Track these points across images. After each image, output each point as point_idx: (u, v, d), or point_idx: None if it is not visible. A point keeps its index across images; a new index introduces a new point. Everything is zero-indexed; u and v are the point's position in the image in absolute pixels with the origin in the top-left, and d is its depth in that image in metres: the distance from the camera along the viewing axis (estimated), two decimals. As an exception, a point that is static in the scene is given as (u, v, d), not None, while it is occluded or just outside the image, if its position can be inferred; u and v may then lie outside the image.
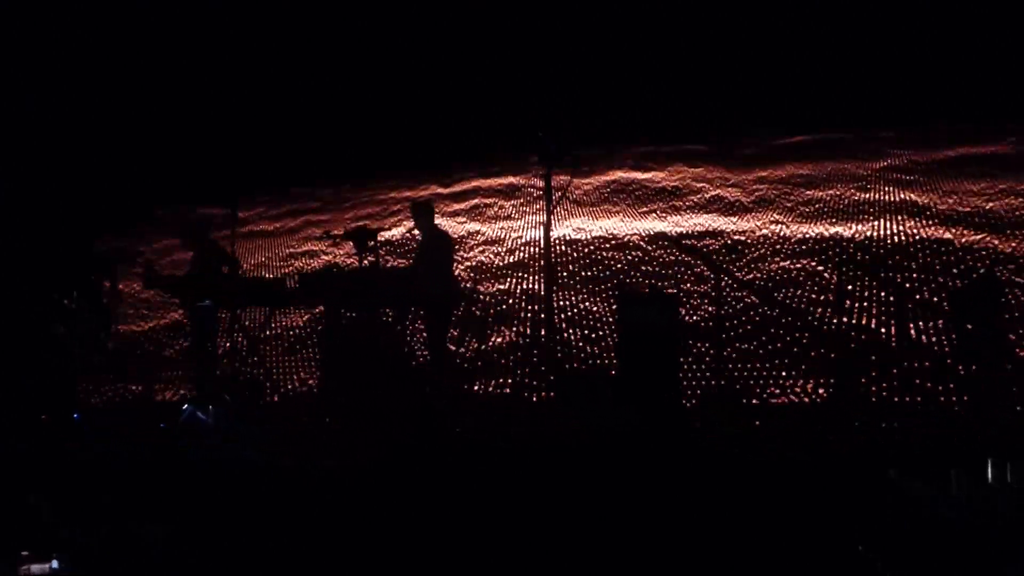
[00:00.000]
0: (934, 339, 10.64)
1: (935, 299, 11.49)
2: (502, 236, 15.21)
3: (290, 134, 18.01)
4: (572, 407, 9.12)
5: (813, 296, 11.96)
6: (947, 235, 13.02)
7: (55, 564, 5.86)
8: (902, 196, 14.60)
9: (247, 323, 12.12)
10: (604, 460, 7.50)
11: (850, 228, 13.66)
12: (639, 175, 17.08)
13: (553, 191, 9.22)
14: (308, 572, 5.74)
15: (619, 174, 17.25)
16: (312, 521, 6.41)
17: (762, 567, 5.54)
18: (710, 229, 14.53)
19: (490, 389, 11.12)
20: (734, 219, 14.84)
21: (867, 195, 14.85)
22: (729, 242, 13.67)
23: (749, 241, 13.81)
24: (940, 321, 10.81)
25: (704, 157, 17.32)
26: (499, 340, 12.06)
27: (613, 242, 14.49)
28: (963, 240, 12.79)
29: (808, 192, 15.38)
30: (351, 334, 10.56)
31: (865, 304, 11.53)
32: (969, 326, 10.41)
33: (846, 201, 14.79)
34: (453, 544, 5.95)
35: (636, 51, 17.33)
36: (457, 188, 17.83)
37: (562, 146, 9.33)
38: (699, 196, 15.90)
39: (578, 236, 14.82)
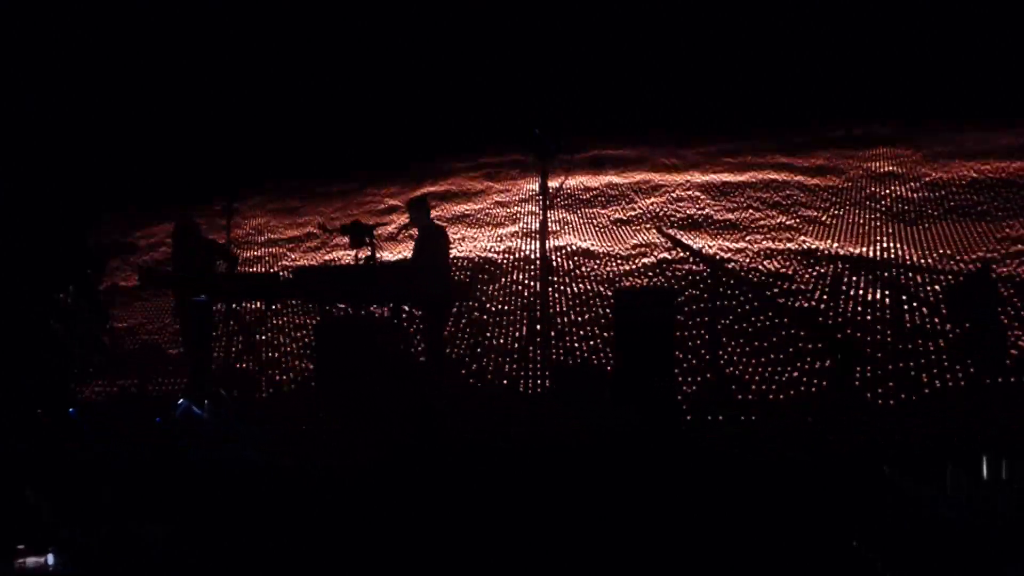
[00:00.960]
0: (931, 336, 10.60)
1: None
2: (497, 235, 15.14)
3: (284, 132, 17.94)
4: (570, 405, 9.10)
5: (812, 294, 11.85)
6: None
7: (51, 559, 5.84)
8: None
9: (242, 318, 12.07)
10: (602, 458, 7.49)
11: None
12: (637, 173, 17.01)
13: (549, 188, 9.19)
14: (308, 572, 5.72)
15: (618, 172, 17.19)
16: (312, 521, 6.39)
17: (760, 563, 5.53)
18: (714, 231, 14.47)
19: (487, 386, 11.07)
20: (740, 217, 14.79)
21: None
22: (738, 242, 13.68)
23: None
24: (936, 319, 10.78)
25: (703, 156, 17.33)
26: (496, 337, 12.03)
27: (613, 242, 14.44)
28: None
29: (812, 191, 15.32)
30: (347, 330, 10.52)
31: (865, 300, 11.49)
32: (967, 324, 10.41)
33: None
34: (453, 543, 5.93)
35: (631, 50, 17.28)
36: (451, 187, 17.73)
37: (559, 143, 9.32)
38: (699, 194, 15.86)
39: (576, 234, 14.79)
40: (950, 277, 11.65)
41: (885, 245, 12.66)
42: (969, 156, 14.93)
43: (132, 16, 17.02)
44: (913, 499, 6.10)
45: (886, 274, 11.85)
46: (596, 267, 13.41)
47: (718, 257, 12.84)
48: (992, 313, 10.51)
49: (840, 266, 12.28)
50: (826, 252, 12.75)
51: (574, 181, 15.70)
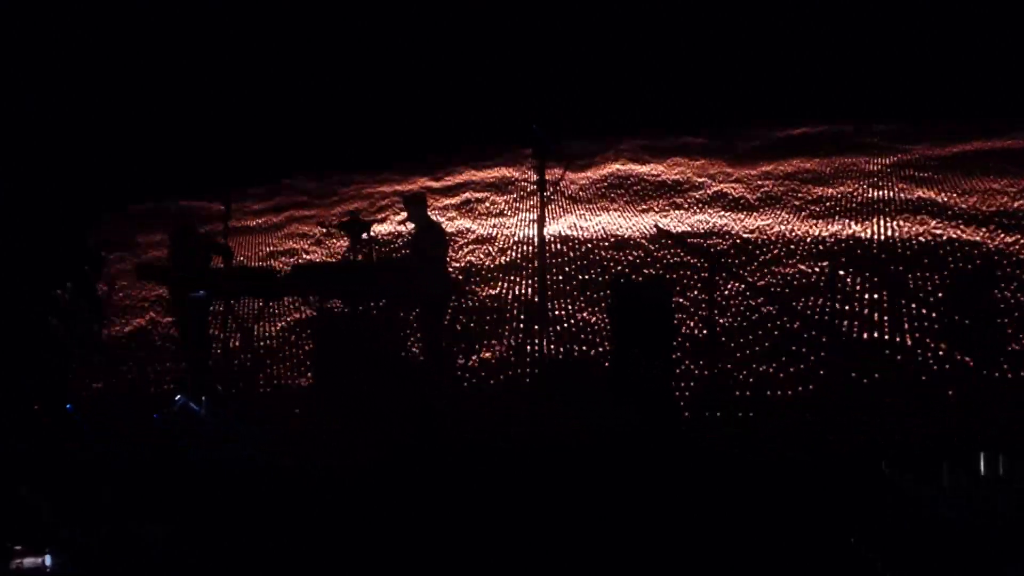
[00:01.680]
0: (930, 334, 10.60)
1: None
2: (494, 233, 15.08)
3: (280, 127, 17.89)
4: (566, 401, 9.09)
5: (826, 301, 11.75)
6: (976, 237, 12.63)
7: (48, 559, 5.83)
8: (918, 194, 14.27)
9: (240, 314, 12.06)
10: (600, 456, 7.48)
11: (865, 227, 13.42)
12: (637, 168, 16.86)
13: (547, 184, 9.15)
14: (308, 572, 5.71)
15: (616, 167, 17.06)
16: (312, 521, 6.38)
17: (758, 562, 5.53)
18: (714, 227, 14.31)
19: (484, 383, 11.07)
20: (740, 216, 14.61)
21: (880, 192, 14.56)
22: (738, 241, 13.56)
23: (758, 241, 13.58)
24: (935, 314, 10.78)
25: (704, 150, 17.15)
26: (494, 336, 12.02)
27: (612, 240, 14.31)
28: (996, 243, 12.40)
29: (817, 189, 15.06)
30: (344, 327, 10.50)
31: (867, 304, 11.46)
32: (966, 321, 10.41)
33: (858, 199, 14.50)
34: (452, 543, 5.92)
35: (630, 40, 17.17)
36: (448, 182, 17.67)
37: (556, 137, 9.29)
38: (701, 192, 15.68)
39: (574, 233, 14.64)
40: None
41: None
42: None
43: (131, 14, 16.97)
44: (912, 497, 6.10)
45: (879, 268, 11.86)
46: (595, 267, 13.39)
47: (712, 251, 12.82)
48: (992, 309, 10.50)
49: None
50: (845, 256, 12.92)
51: (574, 176, 15.65)
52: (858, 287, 11.69)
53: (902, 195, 14.30)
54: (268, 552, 5.91)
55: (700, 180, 16.07)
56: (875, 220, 13.49)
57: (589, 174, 16.74)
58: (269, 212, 18.23)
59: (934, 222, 13.22)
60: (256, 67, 17.65)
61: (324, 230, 11.44)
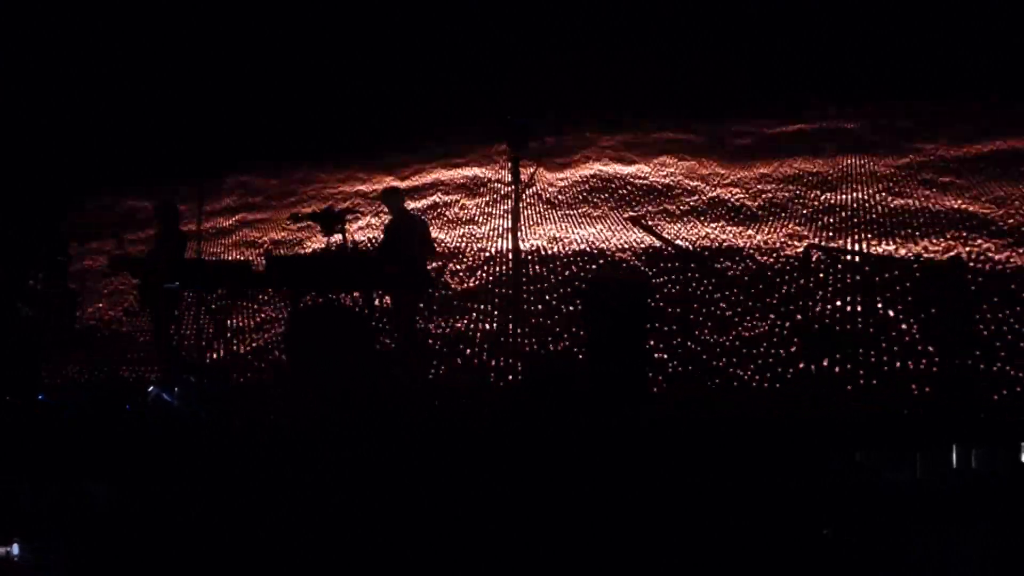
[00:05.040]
0: (903, 326, 10.52)
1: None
2: (462, 245, 14.75)
3: (255, 117, 17.63)
4: (541, 394, 9.02)
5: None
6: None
7: (15, 549, 5.73)
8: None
9: (213, 305, 11.91)
10: (574, 447, 7.39)
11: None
12: (622, 169, 16.01)
13: (522, 183, 9.06)
14: (251, 529, 5.63)
15: (597, 167, 16.24)
16: (255, 479, 6.29)
17: (733, 553, 5.47)
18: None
19: (459, 374, 10.99)
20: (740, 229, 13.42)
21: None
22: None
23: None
24: (906, 307, 10.72)
25: (693, 148, 15.95)
26: (468, 326, 11.92)
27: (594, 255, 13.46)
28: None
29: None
30: (318, 317, 10.39)
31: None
32: (934, 310, 10.39)
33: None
34: (405, 513, 5.85)
35: (609, 23, 16.75)
36: (416, 181, 17.20)
37: (532, 129, 9.20)
38: (695, 198, 14.48)
39: (553, 248, 13.86)
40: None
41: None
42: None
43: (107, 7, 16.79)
44: (883, 485, 6.05)
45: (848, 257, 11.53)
46: (566, 251, 13.07)
47: (690, 248, 12.66)
48: (962, 301, 10.47)
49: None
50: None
51: (551, 178, 15.35)
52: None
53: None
54: (212, 509, 5.82)
55: (692, 184, 15.18)
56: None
57: (568, 174, 15.95)
58: (243, 201, 17.90)
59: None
60: (233, 54, 17.40)
61: (298, 222, 11.26)
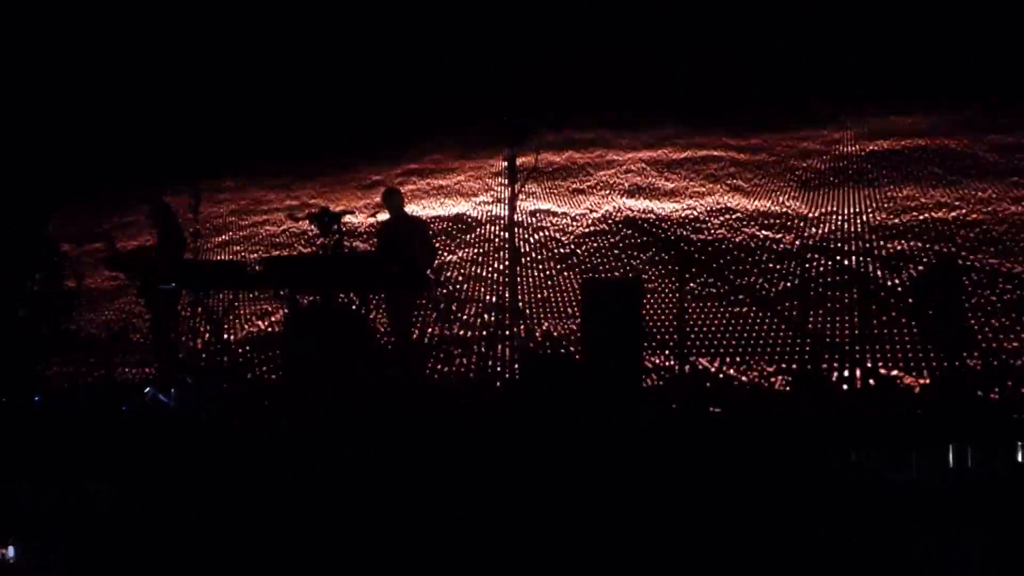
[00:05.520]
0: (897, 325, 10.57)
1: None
2: (466, 221, 14.82)
3: (251, 117, 17.60)
4: (538, 391, 9.01)
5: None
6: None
7: (11, 551, 5.71)
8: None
9: (211, 306, 11.89)
10: (570, 444, 7.39)
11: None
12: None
13: (518, 174, 9.07)
14: (249, 528, 5.62)
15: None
16: (256, 480, 6.28)
17: (725, 551, 5.46)
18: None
19: (456, 373, 10.98)
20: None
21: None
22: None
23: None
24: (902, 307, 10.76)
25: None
26: (465, 325, 11.92)
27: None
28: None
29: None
30: (314, 318, 10.37)
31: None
32: (930, 311, 10.39)
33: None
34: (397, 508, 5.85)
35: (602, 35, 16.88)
36: (411, 187, 17.24)
37: (530, 125, 9.20)
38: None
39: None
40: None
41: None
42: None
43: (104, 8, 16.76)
44: (883, 485, 6.04)
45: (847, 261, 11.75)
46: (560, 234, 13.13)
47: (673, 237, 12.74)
48: (956, 301, 10.48)
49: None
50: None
51: (542, 164, 15.33)
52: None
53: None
54: (212, 509, 5.81)
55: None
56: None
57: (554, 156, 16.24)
58: (240, 201, 17.85)
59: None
60: (229, 53, 17.36)
61: (295, 222, 11.26)
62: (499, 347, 11.07)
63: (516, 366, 10.11)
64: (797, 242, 13.70)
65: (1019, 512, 5.60)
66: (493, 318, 12.07)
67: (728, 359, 10.56)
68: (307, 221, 10.76)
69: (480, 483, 6.59)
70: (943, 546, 5.27)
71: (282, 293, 10.43)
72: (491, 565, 5.59)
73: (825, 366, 9.96)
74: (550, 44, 16.74)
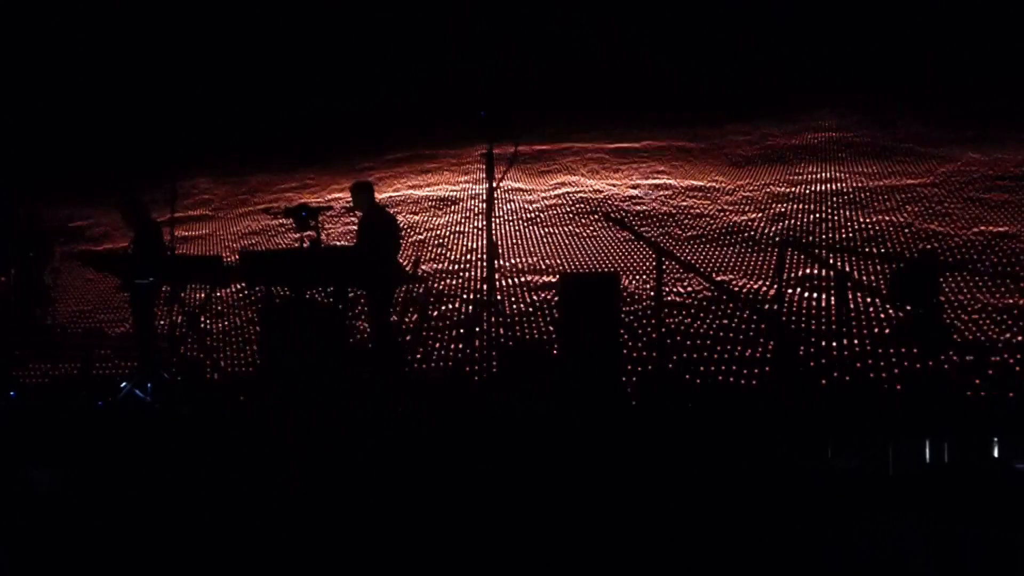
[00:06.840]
0: (874, 320, 10.61)
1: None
2: (443, 216, 14.85)
3: (227, 113, 17.53)
4: (515, 384, 8.99)
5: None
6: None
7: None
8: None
9: (187, 301, 11.82)
10: (547, 437, 7.36)
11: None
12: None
13: (495, 170, 9.05)
14: (198, 516, 5.57)
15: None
16: (207, 466, 6.24)
17: (705, 547, 5.44)
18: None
19: (432, 366, 10.96)
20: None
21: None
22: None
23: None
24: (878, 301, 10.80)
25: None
26: (441, 317, 11.89)
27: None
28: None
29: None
30: (291, 313, 10.30)
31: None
32: (908, 307, 10.38)
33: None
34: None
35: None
36: (396, 171, 17.29)
37: (505, 120, 9.18)
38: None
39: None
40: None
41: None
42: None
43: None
44: (855, 482, 6.02)
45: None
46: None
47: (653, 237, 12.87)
48: (934, 296, 10.49)
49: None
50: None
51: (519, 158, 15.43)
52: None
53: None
54: (159, 496, 5.75)
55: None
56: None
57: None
58: (217, 196, 17.77)
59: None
60: (206, 48, 17.27)
61: (273, 217, 11.17)
62: (475, 341, 11.05)
63: (493, 360, 10.10)
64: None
65: (968, 504, 5.56)
66: (470, 309, 12.05)
67: (704, 352, 10.58)
68: (285, 216, 10.70)
69: (459, 477, 6.56)
70: (892, 537, 5.25)
71: (258, 288, 10.37)
72: (470, 559, 5.55)
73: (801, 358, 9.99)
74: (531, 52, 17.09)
